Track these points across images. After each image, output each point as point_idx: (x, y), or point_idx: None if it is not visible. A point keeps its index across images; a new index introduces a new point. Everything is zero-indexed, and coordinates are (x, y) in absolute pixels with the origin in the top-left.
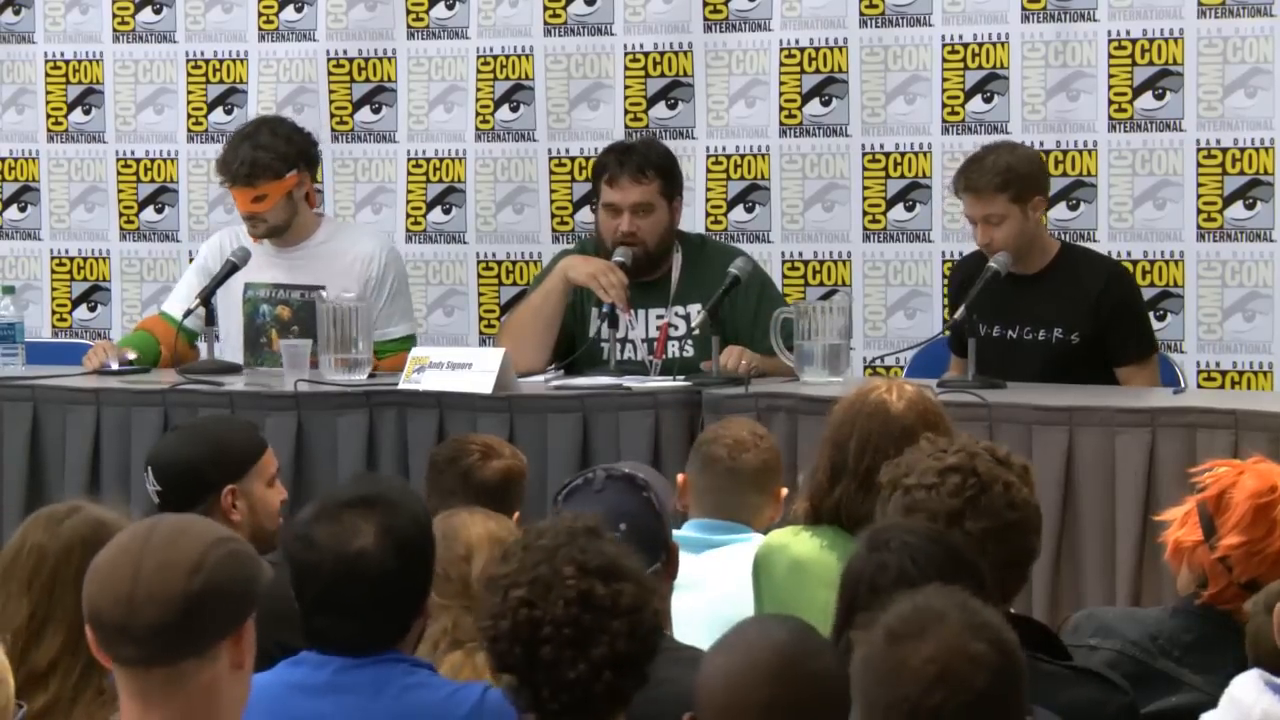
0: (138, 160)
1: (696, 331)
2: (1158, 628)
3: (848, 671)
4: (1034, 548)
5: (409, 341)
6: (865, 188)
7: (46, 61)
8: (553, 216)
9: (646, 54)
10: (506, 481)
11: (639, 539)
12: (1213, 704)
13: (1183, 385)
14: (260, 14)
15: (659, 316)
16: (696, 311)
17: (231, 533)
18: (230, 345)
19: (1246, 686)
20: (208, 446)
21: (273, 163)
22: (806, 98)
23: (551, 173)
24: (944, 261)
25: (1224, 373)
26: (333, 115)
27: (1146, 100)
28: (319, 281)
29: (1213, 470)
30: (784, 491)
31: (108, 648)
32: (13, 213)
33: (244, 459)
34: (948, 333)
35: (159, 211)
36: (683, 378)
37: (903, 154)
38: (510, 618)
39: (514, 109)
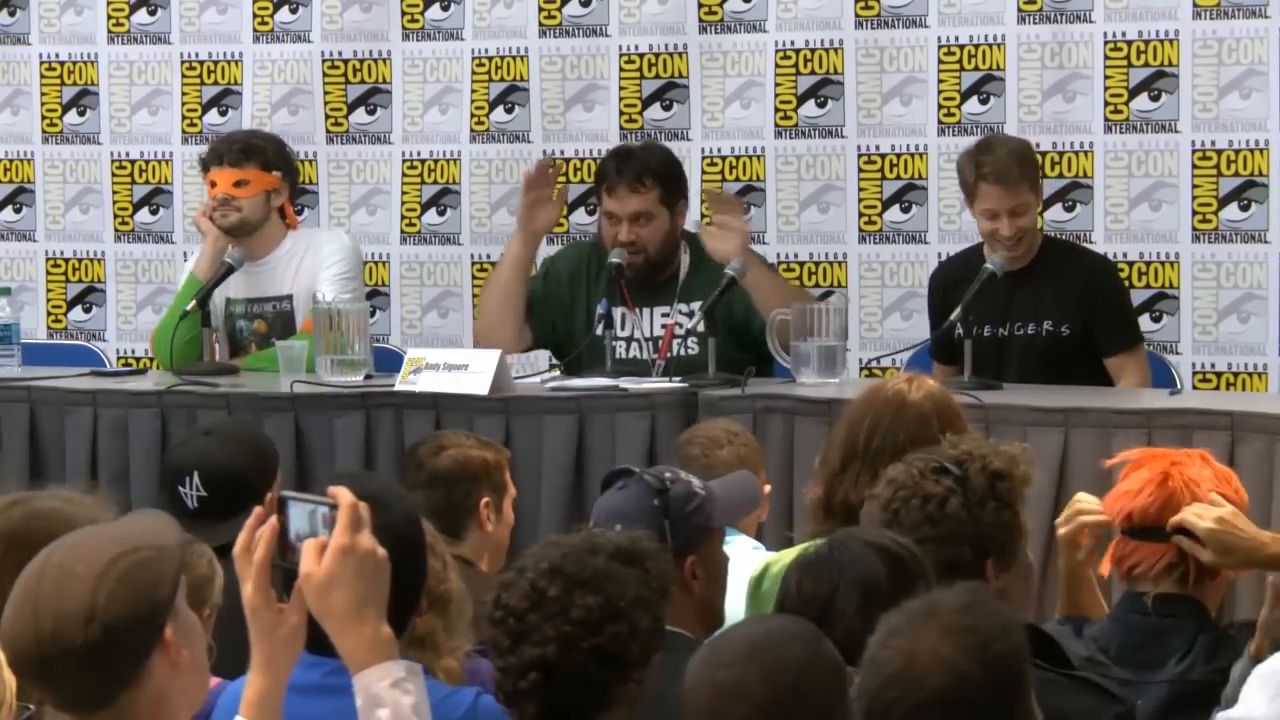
0: (132, 162)
1: (699, 327)
2: (1105, 640)
3: (830, 669)
4: (962, 559)
5: None
6: (861, 189)
7: (41, 63)
8: None
9: (641, 55)
10: (461, 470)
11: None
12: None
13: (1178, 386)
14: (255, 15)
15: (664, 315)
16: (701, 308)
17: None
18: (220, 353)
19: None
20: (255, 454)
21: (266, 152)
22: (802, 99)
23: None
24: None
25: (1219, 374)
26: (327, 117)
27: (1142, 102)
28: (285, 291)
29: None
30: (767, 488)
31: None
32: (8, 214)
33: (274, 466)
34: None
35: (154, 213)
36: (679, 379)
37: (899, 155)
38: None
39: (509, 110)
